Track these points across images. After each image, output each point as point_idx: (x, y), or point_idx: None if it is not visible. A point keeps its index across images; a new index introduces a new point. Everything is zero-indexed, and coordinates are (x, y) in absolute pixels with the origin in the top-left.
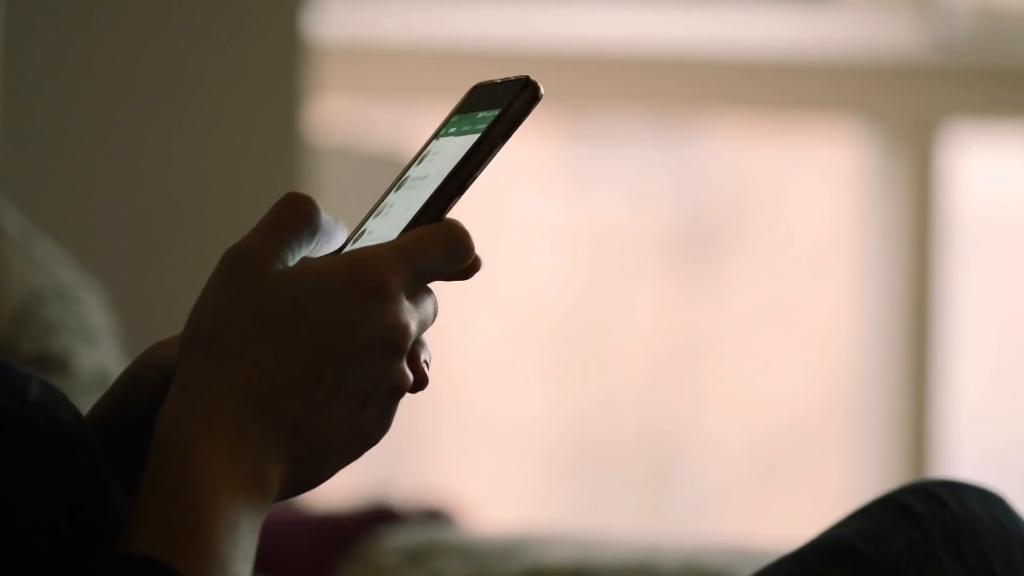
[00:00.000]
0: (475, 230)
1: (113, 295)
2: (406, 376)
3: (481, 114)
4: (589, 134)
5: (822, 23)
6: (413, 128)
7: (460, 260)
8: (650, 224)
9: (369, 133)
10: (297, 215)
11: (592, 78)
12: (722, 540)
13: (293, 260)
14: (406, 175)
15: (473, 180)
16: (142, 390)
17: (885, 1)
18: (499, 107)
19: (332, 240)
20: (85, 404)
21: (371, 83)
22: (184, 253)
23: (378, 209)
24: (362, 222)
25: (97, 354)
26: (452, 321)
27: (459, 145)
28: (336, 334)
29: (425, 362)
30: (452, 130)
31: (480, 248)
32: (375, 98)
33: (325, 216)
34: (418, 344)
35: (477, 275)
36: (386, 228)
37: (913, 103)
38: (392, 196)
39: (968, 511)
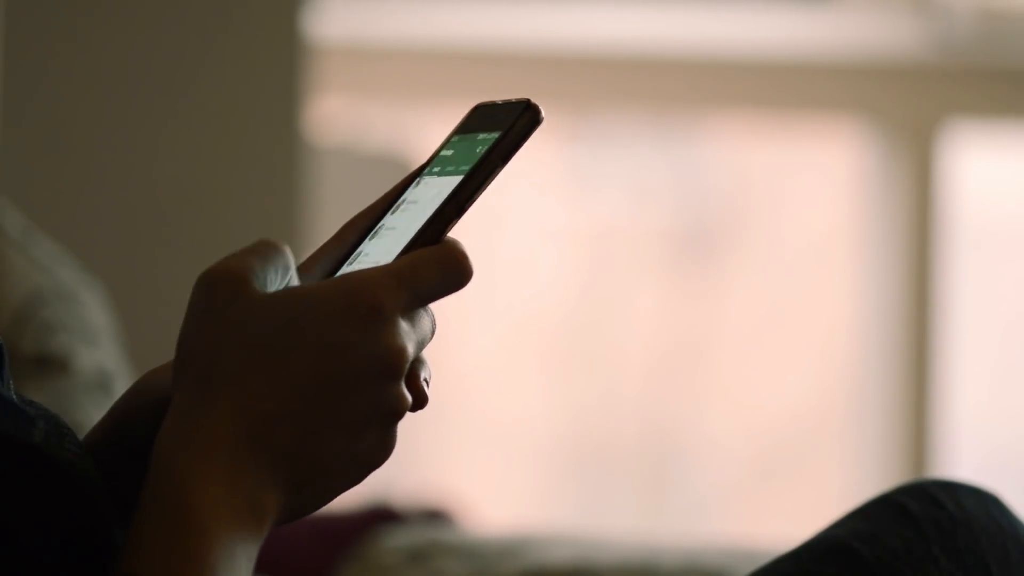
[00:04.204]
0: (475, 230)
1: (113, 295)
2: (404, 399)
3: (481, 136)
4: (589, 134)
5: (822, 23)
6: (413, 128)
7: (457, 282)
8: (650, 224)
9: (369, 133)
10: (269, 248)
11: (592, 78)
12: (722, 540)
13: (273, 284)
14: (403, 197)
15: (472, 203)
16: (138, 417)
17: (885, 1)
18: (499, 130)
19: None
20: (85, 404)
21: (371, 83)
22: (184, 253)
23: (375, 231)
24: (358, 243)
25: (97, 354)
26: (452, 321)
27: (457, 167)
28: (331, 358)
29: (425, 380)
30: (452, 151)
31: (480, 248)
32: (375, 98)
33: (293, 263)
34: (417, 362)
35: (475, 276)
36: (382, 250)
37: (913, 103)
38: (390, 217)
39: (964, 511)
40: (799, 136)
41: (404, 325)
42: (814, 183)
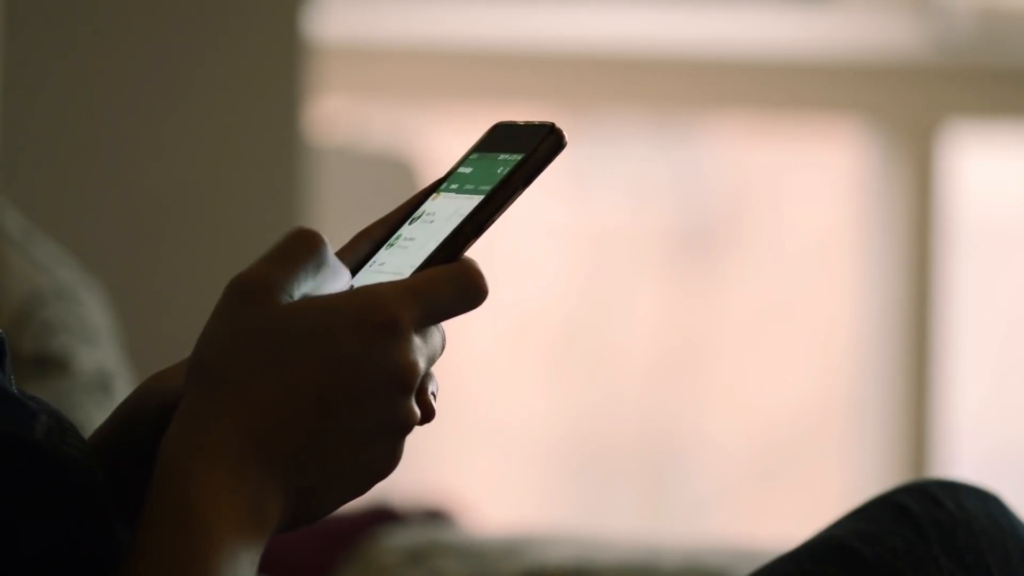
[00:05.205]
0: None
1: (113, 295)
2: (414, 413)
3: (502, 156)
4: (589, 134)
5: (822, 23)
6: (413, 128)
7: (472, 302)
8: (650, 224)
9: (369, 133)
10: (304, 248)
11: (592, 78)
12: (722, 540)
13: (298, 292)
14: (421, 209)
15: (491, 223)
16: (143, 419)
17: (885, 1)
18: (522, 152)
19: (336, 278)
20: (85, 404)
21: (371, 83)
22: (184, 253)
23: (392, 240)
24: (373, 251)
25: (97, 354)
26: (452, 321)
27: (477, 187)
28: (342, 370)
29: (432, 394)
30: (470, 168)
31: (481, 248)
32: (375, 98)
33: (331, 253)
34: (426, 377)
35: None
36: (399, 263)
37: (913, 103)
38: (407, 228)
39: (964, 510)
40: (799, 136)
41: (417, 340)
42: (814, 183)
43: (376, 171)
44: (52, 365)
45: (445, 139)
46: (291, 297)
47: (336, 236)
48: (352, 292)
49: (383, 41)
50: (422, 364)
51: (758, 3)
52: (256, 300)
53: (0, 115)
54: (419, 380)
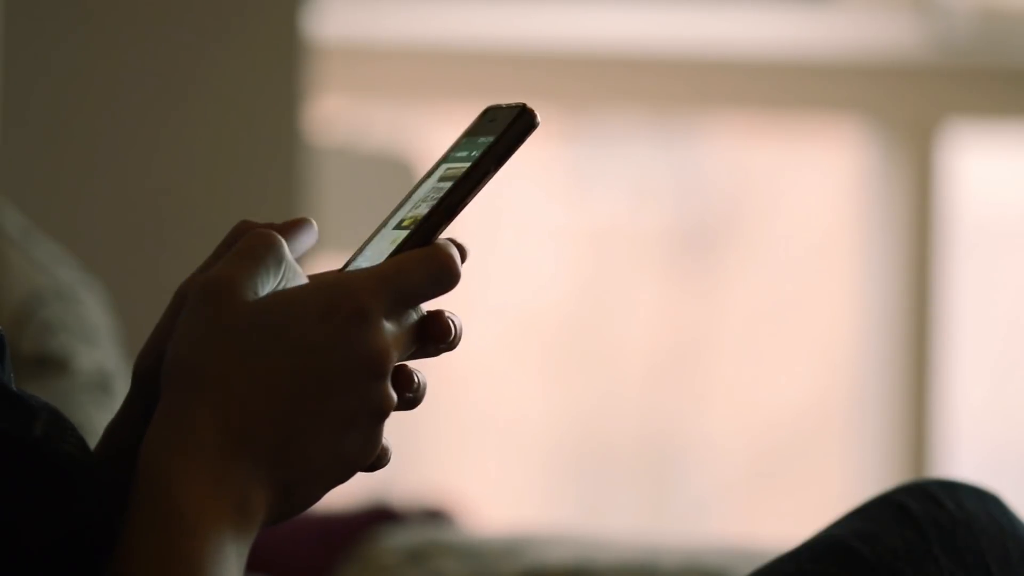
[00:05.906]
0: (475, 230)
1: (113, 295)
2: (389, 398)
3: (481, 139)
4: (589, 134)
5: (822, 23)
6: (413, 128)
7: (444, 285)
8: (650, 223)
9: (369, 133)
10: (261, 247)
11: (592, 78)
12: (722, 540)
13: (263, 290)
14: (411, 195)
15: (463, 206)
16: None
17: (885, 1)
18: (494, 134)
19: (297, 277)
20: (85, 404)
21: (371, 83)
22: (184, 253)
23: (376, 230)
24: (364, 244)
25: (97, 354)
26: None
27: (455, 170)
28: (313, 360)
29: (416, 378)
30: (459, 152)
31: (480, 248)
32: (375, 98)
33: (288, 252)
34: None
35: (475, 276)
36: (378, 249)
37: (913, 103)
38: (393, 218)
39: (964, 510)
40: (799, 136)
41: (388, 325)
42: (814, 183)
43: (376, 171)
44: (52, 365)
45: (444, 139)
46: (256, 294)
47: (336, 236)
48: (319, 283)
49: (383, 41)
50: (396, 349)
51: (758, 3)
52: (223, 299)
53: (0, 115)
54: (392, 364)
